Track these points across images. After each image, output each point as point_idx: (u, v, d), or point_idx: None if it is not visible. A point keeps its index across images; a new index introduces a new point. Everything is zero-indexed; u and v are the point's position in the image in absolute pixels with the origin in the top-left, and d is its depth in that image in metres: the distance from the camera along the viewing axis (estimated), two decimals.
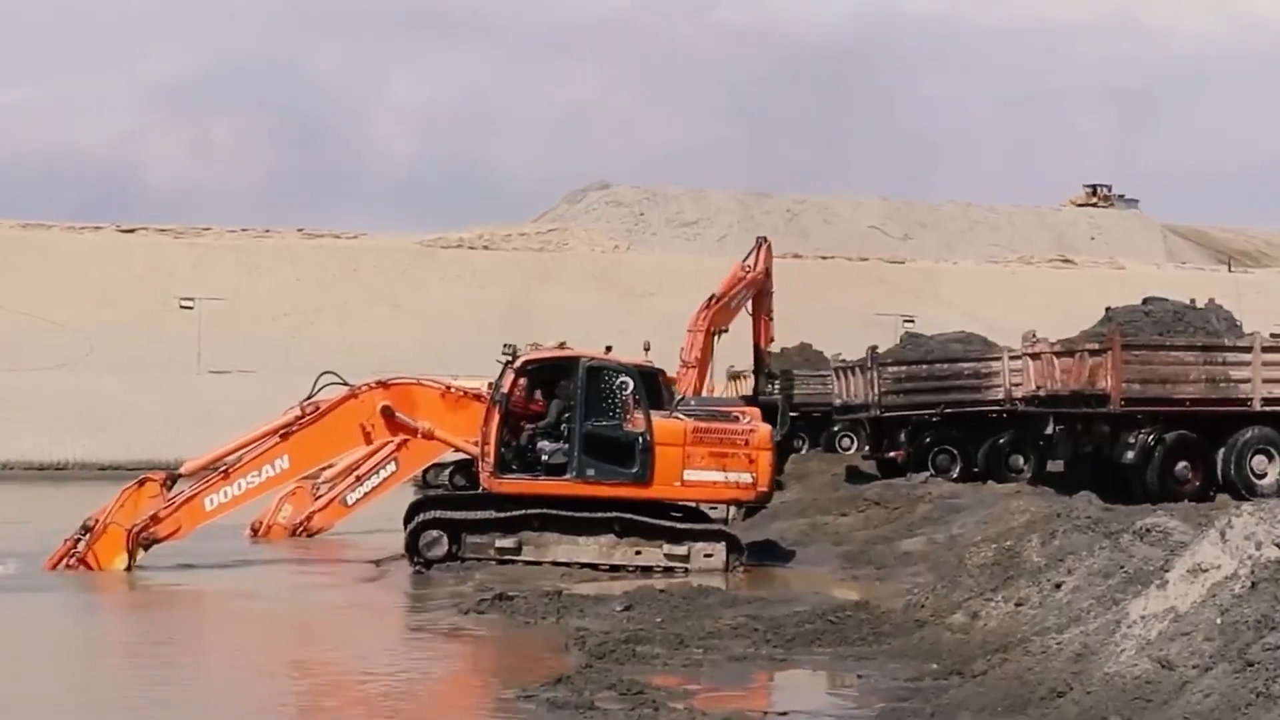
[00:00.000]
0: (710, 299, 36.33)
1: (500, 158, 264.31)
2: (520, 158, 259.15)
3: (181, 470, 25.25)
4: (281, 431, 24.83)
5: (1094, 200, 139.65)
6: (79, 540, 24.11)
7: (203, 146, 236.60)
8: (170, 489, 24.70)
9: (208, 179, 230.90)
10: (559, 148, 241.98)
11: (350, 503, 30.15)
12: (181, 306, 66.47)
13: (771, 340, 41.05)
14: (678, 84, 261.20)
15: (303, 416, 24.84)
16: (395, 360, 45.64)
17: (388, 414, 24.90)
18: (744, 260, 38.12)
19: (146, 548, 24.32)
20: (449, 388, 25.87)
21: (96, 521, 24.23)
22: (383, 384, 25.31)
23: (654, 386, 24.76)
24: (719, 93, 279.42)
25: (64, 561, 24.05)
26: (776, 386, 44.29)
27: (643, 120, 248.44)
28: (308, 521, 30.26)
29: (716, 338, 36.12)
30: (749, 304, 38.68)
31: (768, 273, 38.91)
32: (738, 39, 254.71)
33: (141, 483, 24.71)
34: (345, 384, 25.24)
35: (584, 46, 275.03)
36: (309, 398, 25.18)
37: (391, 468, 29.41)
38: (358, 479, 29.83)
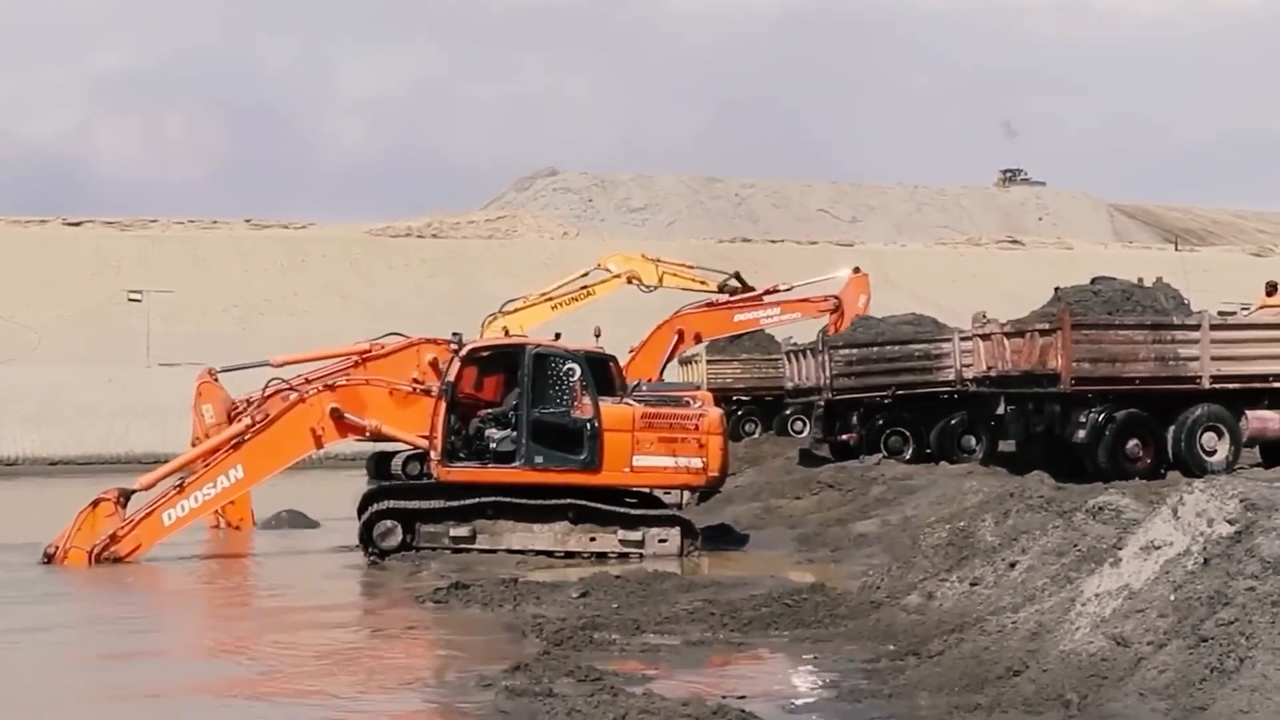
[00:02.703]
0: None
1: (449, 146, 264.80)
2: (468, 146, 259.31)
3: (135, 486, 25.08)
4: (233, 442, 24.85)
5: (1006, 187, 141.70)
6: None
7: (151, 139, 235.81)
8: (125, 506, 24.56)
9: (155, 172, 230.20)
10: (507, 135, 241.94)
11: None
12: (130, 299, 66.17)
13: None
14: (627, 71, 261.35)
15: (253, 425, 24.85)
16: None
17: (336, 415, 24.93)
18: None
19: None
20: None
21: (56, 548, 24.07)
22: (330, 387, 25.31)
23: (605, 373, 24.71)
24: (668, 79, 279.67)
25: None
26: None
27: (591, 107, 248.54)
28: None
29: None
30: None
31: None
32: (687, 26, 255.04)
33: (95, 503, 24.44)
34: (289, 386, 25.48)
35: (533, 34, 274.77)
36: (259, 405, 25.26)
37: None
38: None
